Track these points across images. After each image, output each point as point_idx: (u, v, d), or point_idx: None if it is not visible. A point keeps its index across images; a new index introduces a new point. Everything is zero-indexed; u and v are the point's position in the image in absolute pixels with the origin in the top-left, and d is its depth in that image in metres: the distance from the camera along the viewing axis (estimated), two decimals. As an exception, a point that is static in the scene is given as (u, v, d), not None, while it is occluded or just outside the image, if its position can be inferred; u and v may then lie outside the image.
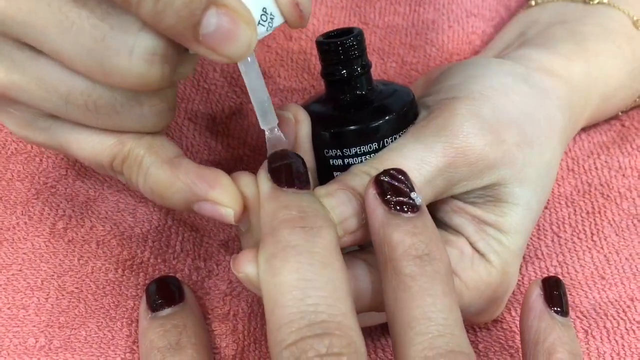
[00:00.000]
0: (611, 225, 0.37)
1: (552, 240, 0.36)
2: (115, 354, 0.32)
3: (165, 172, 0.27)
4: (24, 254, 0.34)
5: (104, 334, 0.33)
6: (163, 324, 0.30)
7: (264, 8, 0.26)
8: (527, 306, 0.29)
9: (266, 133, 0.29)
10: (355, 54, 0.30)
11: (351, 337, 0.23)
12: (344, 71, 0.30)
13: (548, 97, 0.33)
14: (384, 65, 0.43)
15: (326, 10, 0.44)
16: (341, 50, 0.30)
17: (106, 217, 0.36)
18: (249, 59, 0.27)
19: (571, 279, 0.35)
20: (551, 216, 0.37)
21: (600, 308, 0.34)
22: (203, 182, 0.27)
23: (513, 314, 0.34)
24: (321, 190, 0.28)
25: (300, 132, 0.30)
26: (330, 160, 0.31)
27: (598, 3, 0.39)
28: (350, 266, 0.27)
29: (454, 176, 0.29)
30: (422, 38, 0.44)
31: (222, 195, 0.27)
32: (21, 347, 0.32)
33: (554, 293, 0.29)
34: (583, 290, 0.35)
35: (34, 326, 0.32)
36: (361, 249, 0.30)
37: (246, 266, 0.25)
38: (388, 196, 0.26)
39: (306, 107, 0.31)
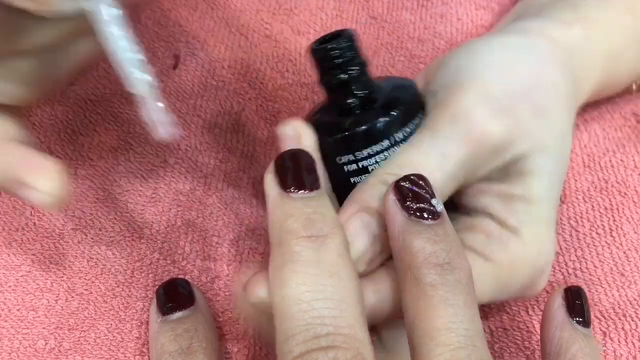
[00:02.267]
0: (629, 222, 0.36)
1: (571, 235, 0.36)
2: (125, 356, 0.32)
3: None
4: (33, 255, 0.34)
5: (114, 336, 0.32)
6: (174, 328, 0.30)
7: None
8: (548, 316, 0.28)
9: (138, 100, 0.25)
10: (351, 55, 0.30)
11: (357, 348, 0.23)
12: (343, 75, 0.30)
13: (552, 64, 0.32)
14: (392, 60, 0.42)
15: (334, 4, 0.44)
16: (336, 53, 0.29)
17: (115, 219, 0.36)
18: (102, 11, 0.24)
19: (590, 275, 0.34)
20: (569, 211, 0.37)
21: (619, 307, 0.33)
22: (23, 165, 0.26)
23: (530, 312, 0.33)
24: None
25: (305, 145, 0.29)
26: (345, 166, 0.30)
27: None
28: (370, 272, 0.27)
29: (477, 164, 0.28)
30: (430, 32, 0.43)
31: (40, 175, 0.26)
32: (31, 349, 0.31)
33: (576, 303, 0.28)
34: (602, 287, 0.34)
35: (44, 328, 0.32)
36: None
37: (259, 290, 0.25)
38: (408, 202, 0.25)
39: (310, 118, 0.31)
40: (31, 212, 0.36)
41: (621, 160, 0.38)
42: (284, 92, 0.40)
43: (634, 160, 0.38)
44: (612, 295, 0.33)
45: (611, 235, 0.35)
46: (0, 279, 0.33)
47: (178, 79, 0.41)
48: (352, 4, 0.44)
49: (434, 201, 0.25)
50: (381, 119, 0.29)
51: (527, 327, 0.33)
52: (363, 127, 0.29)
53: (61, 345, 0.32)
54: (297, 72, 0.41)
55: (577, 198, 0.37)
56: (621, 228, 0.35)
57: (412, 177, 0.26)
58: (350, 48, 0.30)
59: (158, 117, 0.25)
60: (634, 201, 0.36)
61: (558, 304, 0.28)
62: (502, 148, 0.29)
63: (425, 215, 0.25)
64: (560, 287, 0.29)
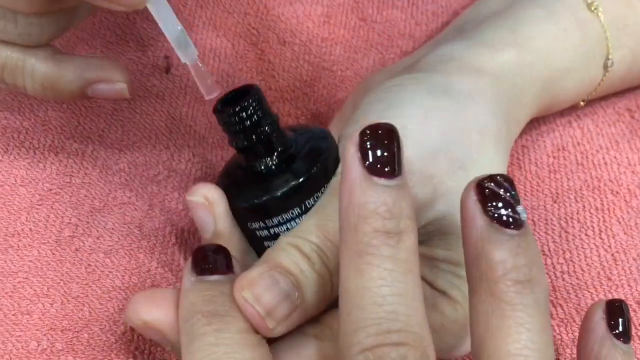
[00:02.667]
0: (620, 223, 0.35)
1: (560, 236, 0.35)
2: (118, 358, 0.32)
3: (53, 67, 0.28)
4: (30, 261, 0.35)
5: (107, 337, 0.33)
6: (211, 288, 0.27)
7: None
8: (588, 328, 0.27)
9: (191, 69, 0.29)
10: (258, 115, 0.28)
11: (424, 347, 0.23)
12: (252, 137, 0.29)
13: (474, 102, 0.31)
14: (382, 59, 0.42)
15: (322, 9, 0.44)
16: (241, 116, 0.28)
17: (113, 229, 0.37)
18: None
19: (577, 279, 0.34)
20: (559, 211, 0.36)
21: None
22: (92, 67, 0.28)
23: (564, 329, 0.33)
24: (243, 280, 0.27)
25: (217, 212, 0.29)
26: (257, 232, 0.29)
27: None
28: (298, 345, 0.27)
29: None
30: (422, 28, 0.43)
31: (113, 71, 0.29)
32: (23, 351, 0.33)
33: (618, 318, 0.27)
34: (589, 291, 0.34)
35: (37, 330, 0.33)
36: (311, 321, 0.29)
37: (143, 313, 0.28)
38: (491, 206, 0.24)
39: (223, 177, 0.30)
40: (27, 217, 0.37)
41: (614, 157, 0.37)
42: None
43: (627, 158, 0.37)
44: (599, 299, 0.33)
45: (600, 237, 0.35)
46: (-3, 285, 0.35)
47: (172, 85, 0.42)
48: (340, 7, 0.44)
49: (519, 208, 0.24)
50: (292, 186, 0.28)
51: (562, 337, 0.33)
52: (272, 196, 0.28)
53: (53, 346, 0.33)
54: (279, 89, 0.41)
55: (568, 197, 0.37)
56: (611, 229, 0.35)
57: (497, 178, 0.24)
58: (257, 108, 0.28)
59: (204, 81, 0.29)
60: (625, 200, 0.36)
61: (599, 317, 0.27)
62: (418, 211, 0.28)
63: (510, 224, 0.23)
64: (602, 299, 0.28)
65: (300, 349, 0.27)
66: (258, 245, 0.30)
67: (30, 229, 0.36)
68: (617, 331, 0.27)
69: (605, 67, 0.37)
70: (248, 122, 0.28)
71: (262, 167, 0.29)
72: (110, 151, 0.39)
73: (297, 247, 0.27)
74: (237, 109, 0.28)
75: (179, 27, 0.27)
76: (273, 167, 0.29)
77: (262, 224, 0.29)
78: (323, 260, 0.28)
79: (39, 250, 0.36)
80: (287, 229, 0.29)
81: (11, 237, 0.36)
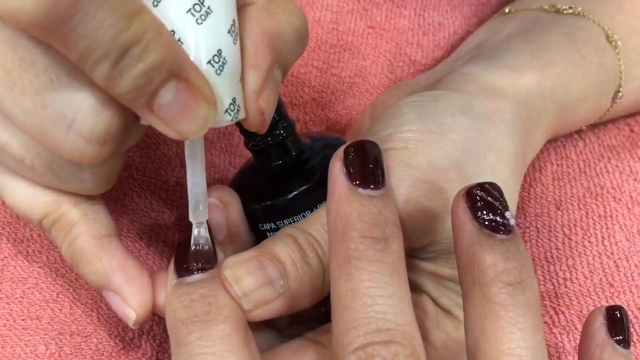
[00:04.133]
0: (622, 230, 0.35)
1: (563, 243, 0.36)
2: (126, 363, 0.33)
3: (91, 249, 0.27)
4: (40, 267, 0.36)
5: (115, 343, 0.34)
6: (190, 292, 0.27)
7: (234, 99, 0.25)
8: (588, 334, 0.27)
9: (193, 227, 0.28)
10: (275, 119, 0.29)
11: (414, 346, 0.24)
12: (268, 139, 0.29)
13: (493, 124, 0.32)
14: (391, 66, 0.42)
15: (331, 16, 0.44)
16: None
17: (121, 235, 0.37)
18: (197, 143, 0.26)
19: (580, 286, 0.34)
20: (563, 218, 0.36)
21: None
22: (122, 275, 0.27)
23: (566, 336, 0.33)
24: (229, 260, 0.27)
25: (230, 214, 0.30)
26: (267, 233, 0.30)
27: (571, 13, 0.37)
28: (300, 350, 0.27)
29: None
30: (429, 38, 0.43)
31: (133, 296, 0.27)
32: (32, 355, 0.33)
33: (618, 323, 0.27)
34: (591, 298, 0.34)
35: (46, 334, 0.34)
36: (310, 327, 0.29)
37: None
38: (480, 212, 0.24)
39: (237, 178, 0.31)
40: (35, 224, 0.37)
41: (616, 165, 0.38)
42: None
43: (629, 166, 0.37)
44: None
45: (603, 244, 0.35)
46: (7, 291, 0.35)
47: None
48: (349, 14, 0.44)
49: (507, 214, 0.25)
50: (303, 189, 0.29)
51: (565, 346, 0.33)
52: (285, 198, 0.29)
53: (62, 350, 0.33)
54: (288, 94, 0.42)
55: (572, 205, 0.37)
56: (614, 236, 0.35)
57: (486, 186, 0.25)
58: (275, 111, 0.29)
59: (200, 245, 0.28)
60: (628, 207, 0.36)
61: (599, 323, 0.27)
62: (422, 220, 0.28)
63: (499, 229, 0.24)
64: (602, 306, 0.28)
65: (302, 354, 0.28)
66: None
67: (39, 235, 0.37)
68: (617, 337, 0.27)
69: (614, 98, 0.37)
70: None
71: (276, 170, 0.30)
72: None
73: (294, 238, 0.28)
74: None
75: (204, 189, 0.26)
76: (286, 170, 0.30)
77: (273, 225, 0.30)
78: (318, 254, 0.28)
79: (47, 257, 0.36)
80: None
81: (20, 243, 0.36)
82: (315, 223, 0.28)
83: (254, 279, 0.27)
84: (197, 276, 0.27)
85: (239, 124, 0.29)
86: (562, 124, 0.37)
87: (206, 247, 0.28)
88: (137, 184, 0.38)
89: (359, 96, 0.43)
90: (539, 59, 0.35)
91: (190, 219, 0.27)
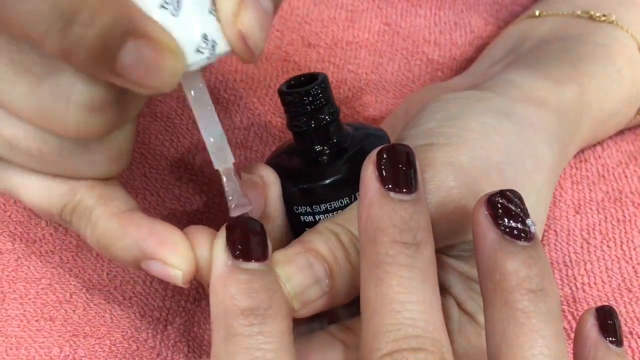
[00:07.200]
0: (641, 234, 0.35)
1: (582, 247, 0.35)
2: (140, 365, 0.33)
3: (114, 225, 0.26)
4: (53, 268, 0.36)
5: (129, 344, 0.33)
6: (251, 281, 0.25)
7: (204, 34, 0.23)
8: (581, 336, 0.27)
9: (222, 177, 0.26)
10: (322, 102, 0.29)
11: (443, 354, 0.23)
12: (312, 122, 0.29)
13: (534, 131, 0.31)
14: (408, 64, 0.42)
15: (346, 14, 0.44)
16: (306, 100, 0.29)
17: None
18: (198, 90, 0.25)
19: (598, 291, 0.34)
20: (582, 222, 0.36)
21: (626, 325, 0.33)
22: (153, 239, 0.26)
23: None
24: (279, 256, 0.27)
25: (270, 195, 0.29)
26: (302, 216, 0.30)
27: (604, 20, 0.37)
28: (324, 347, 0.27)
29: (433, 231, 0.27)
30: (445, 37, 0.43)
31: (172, 254, 0.25)
32: (46, 357, 0.33)
33: (609, 322, 0.27)
34: (610, 303, 0.33)
35: (60, 336, 0.33)
36: (336, 324, 0.29)
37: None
38: (501, 219, 0.24)
39: (275, 159, 0.30)
40: (47, 222, 0.37)
41: (634, 170, 0.38)
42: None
43: (647, 171, 0.37)
44: (619, 313, 0.33)
45: (622, 249, 0.35)
46: (22, 291, 0.35)
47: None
48: (365, 12, 0.44)
49: (528, 221, 0.25)
50: (344, 175, 0.29)
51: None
52: (324, 182, 0.29)
53: (76, 352, 0.33)
54: None
55: (590, 209, 0.37)
56: (632, 241, 0.35)
57: (507, 193, 0.25)
58: (323, 95, 0.29)
59: (235, 195, 0.26)
60: (647, 213, 0.36)
61: (591, 324, 0.27)
62: (461, 218, 0.28)
63: (521, 236, 0.24)
64: (591, 307, 0.28)
65: (327, 351, 0.27)
66: (300, 231, 0.30)
67: (51, 234, 0.37)
68: (610, 338, 0.27)
69: (639, 111, 0.37)
70: (310, 107, 0.29)
71: (316, 154, 0.30)
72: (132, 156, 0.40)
73: (336, 235, 0.27)
74: (302, 92, 0.29)
75: (220, 131, 0.25)
76: (326, 155, 0.30)
77: (308, 209, 0.29)
78: (358, 252, 0.27)
79: (60, 257, 0.36)
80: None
81: (33, 244, 0.36)
82: (355, 219, 0.27)
83: (303, 278, 0.26)
84: (254, 264, 0.25)
85: (285, 110, 0.29)
86: (592, 139, 0.37)
87: (248, 207, 0.26)
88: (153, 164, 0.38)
89: (375, 93, 0.43)
90: (578, 71, 0.35)
91: (216, 167, 0.25)
